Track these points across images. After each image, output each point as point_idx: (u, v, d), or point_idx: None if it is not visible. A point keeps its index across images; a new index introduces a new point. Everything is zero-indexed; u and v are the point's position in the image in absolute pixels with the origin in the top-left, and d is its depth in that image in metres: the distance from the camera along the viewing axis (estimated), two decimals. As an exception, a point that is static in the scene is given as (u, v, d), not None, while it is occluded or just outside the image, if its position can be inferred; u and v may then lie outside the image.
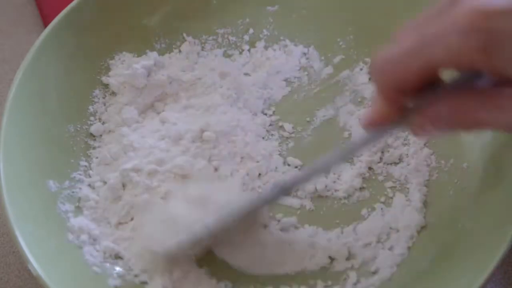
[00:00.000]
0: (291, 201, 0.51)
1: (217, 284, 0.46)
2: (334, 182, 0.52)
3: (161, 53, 0.57)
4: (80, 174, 0.51)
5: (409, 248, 0.48)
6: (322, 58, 0.58)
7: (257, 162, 0.53)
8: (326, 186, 0.51)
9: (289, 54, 0.59)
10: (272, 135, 0.55)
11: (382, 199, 0.51)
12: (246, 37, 0.59)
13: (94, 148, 0.53)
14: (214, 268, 0.47)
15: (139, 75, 0.54)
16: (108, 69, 0.55)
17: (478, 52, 0.32)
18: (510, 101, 0.34)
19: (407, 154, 0.53)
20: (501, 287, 0.51)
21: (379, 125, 0.39)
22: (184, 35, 0.58)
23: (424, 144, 0.52)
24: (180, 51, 0.58)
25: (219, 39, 0.59)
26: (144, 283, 0.46)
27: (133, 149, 0.52)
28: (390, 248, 0.48)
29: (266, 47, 0.59)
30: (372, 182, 0.52)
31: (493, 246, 0.43)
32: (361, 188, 0.52)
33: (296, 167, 0.53)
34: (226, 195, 0.48)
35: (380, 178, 0.52)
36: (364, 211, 0.50)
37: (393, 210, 0.50)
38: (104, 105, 0.55)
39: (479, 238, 0.45)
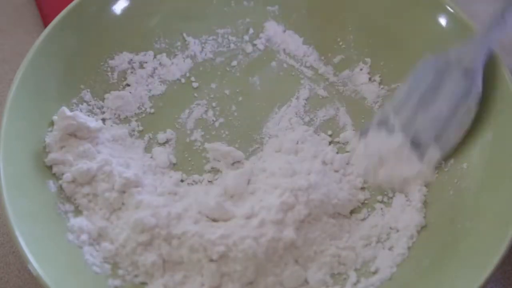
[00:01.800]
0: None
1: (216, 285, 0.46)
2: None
3: (161, 53, 0.57)
4: (80, 174, 0.51)
5: (409, 248, 0.48)
6: (322, 58, 0.58)
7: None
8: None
9: (289, 54, 0.59)
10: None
11: (382, 199, 0.51)
12: (246, 37, 0.59)
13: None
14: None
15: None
16: (108, 69, 0.56)
17: None
18: None
19: (407, 154, 0.53)
20: (501, 287, 0.51)
21: None
22: (184, 35, 0.58)
23: (424, 144, 0.53)
24: (180, 51, 0.58)
25: (219, 39, 0.59)
26: (144, 283, 0.46)
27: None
28: (390, 248, 0.48)
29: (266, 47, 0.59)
30: (372, 182, 0.52)
31: (493, 246, 0.44)
32: (361, 188, 0.52)
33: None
34: None
35: (381, 178, 0.52)
36: (364, 211, 0.50)
37: (393, 210, 0.50)
38: (104, 105, 0.55)
39: (479, 238, 0.45)
